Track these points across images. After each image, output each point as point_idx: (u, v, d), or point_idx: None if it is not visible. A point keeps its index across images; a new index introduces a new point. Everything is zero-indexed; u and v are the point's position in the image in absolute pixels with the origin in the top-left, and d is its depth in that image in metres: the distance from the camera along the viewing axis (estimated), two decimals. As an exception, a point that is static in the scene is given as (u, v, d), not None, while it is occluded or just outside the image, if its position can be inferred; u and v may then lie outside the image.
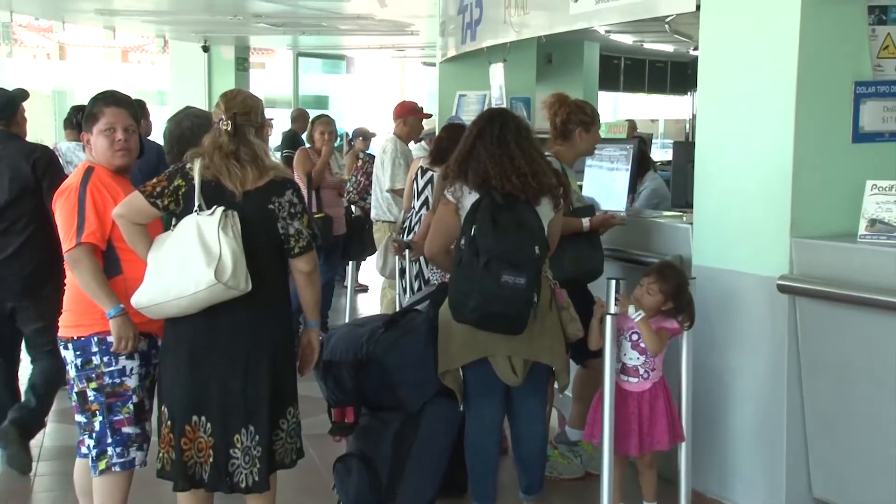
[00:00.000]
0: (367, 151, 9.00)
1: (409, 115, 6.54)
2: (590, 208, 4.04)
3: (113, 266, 3.09)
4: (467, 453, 3.54)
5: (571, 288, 3.61)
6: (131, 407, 3.13)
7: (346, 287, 6.60)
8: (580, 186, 4.55)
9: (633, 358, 3.47)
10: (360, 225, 6.78)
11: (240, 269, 2.86)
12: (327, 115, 7.23)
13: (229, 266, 2.84)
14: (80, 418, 3.18)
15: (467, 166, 3.39)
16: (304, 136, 8.22)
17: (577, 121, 4.01)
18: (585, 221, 3.89)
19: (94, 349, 3.09)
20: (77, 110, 4.67)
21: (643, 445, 3.47)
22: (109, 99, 3.23)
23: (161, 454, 3.04)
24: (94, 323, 3.08)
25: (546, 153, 3.72)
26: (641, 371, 3.47)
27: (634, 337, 3.46)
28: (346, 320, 6.03)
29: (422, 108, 6.74)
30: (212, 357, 2.97)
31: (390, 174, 6.29)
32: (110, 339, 3.06)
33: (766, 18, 3.55)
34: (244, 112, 3.02)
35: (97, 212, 3.06)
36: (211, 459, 2.99)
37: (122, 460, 3.14)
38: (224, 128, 2.98)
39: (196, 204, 2.93)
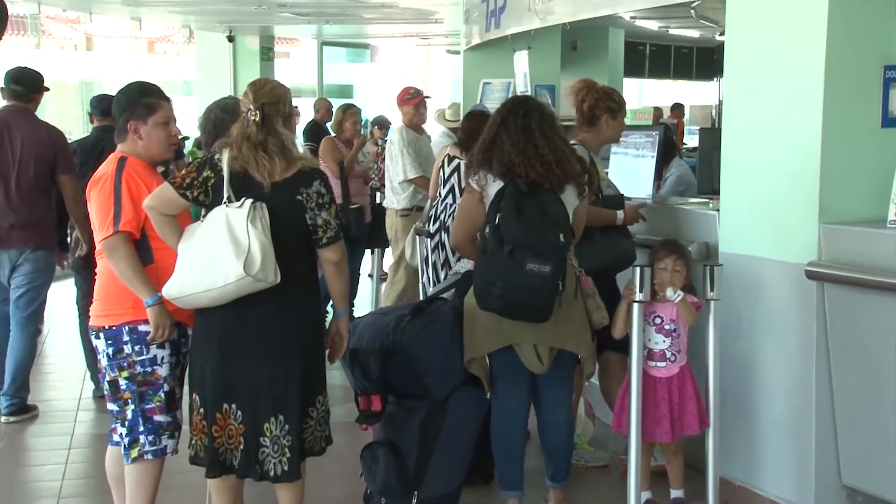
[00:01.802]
0: (386, 139, 8.98)
1: (401, 105, 6.46)
2: (620, 198, 4.02)
3: (145, 255, 3.12)
4: (493, 441, 3.55)
5: (598, 278, 3.61)
6: (163, 395, 3.17)
7: (371, 276, 6.63)
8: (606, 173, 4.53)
9: (658, 342, 3.47)
10: (381, 213, 6.78)
11: (268, 262, 2.87)
12: (356, 106, 7.19)
13: (258, 259, 2.85)
14: (112, 407, 3.22)
15: (491, 154, 3.38)
16: (328, 126, 8.20)
17: (605, 107, 3.97)
18: (620, 214, 3.89)
19: (126, 338, 3.13)
20: None
21: (674, 431, 3.47)
22: (162, 93, 3.29)
23: (194, 441, 3.08)
24: (126, 312, 3.11)
25: (572, 141, 3.71)
26: (668, 354, 3.46)
27: (658, 320, 3.45)
28: (371, 309, 6.07)
29: (416, 92, 6.49)
30: (242, 347, 3.00)
31: (401, 165, 6.25)
32: (141, 328, 3.10)
33: (793, 2, 3.51)
34: (272, 102, 3.02)
35: (133, 200, 3.08)
36: (241, 447, 3.02)
37: (153, 448, 3.18)
38: (252, 118, 2.99)
39: (225, 195, 2.95)
